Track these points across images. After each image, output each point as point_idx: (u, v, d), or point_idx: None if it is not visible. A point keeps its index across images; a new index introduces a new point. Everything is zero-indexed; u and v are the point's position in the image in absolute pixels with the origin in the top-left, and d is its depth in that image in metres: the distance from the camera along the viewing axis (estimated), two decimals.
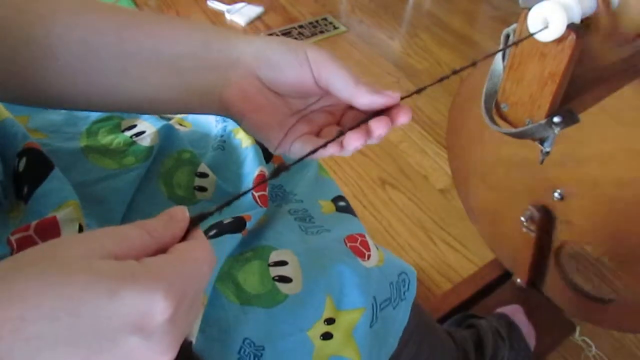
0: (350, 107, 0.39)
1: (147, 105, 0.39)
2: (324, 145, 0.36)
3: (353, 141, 0.36)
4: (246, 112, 0.38)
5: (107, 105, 0.39)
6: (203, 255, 0.27)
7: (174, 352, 0.24)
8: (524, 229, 0.85)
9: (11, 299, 0.21)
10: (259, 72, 0.38)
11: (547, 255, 0.90)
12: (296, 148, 0.38)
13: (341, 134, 0.36)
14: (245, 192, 0.33)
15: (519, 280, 0.97)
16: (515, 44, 0.46)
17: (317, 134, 0.39)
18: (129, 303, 0.22)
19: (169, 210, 0.28)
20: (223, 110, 0.39)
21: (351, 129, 0.36)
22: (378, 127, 0.36)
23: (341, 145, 0.36)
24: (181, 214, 0.28)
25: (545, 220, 0.83)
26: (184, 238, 0.28)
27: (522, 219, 0.84)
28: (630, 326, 0.89)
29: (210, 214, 0.30)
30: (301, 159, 0.36)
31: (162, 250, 0.26)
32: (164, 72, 0.37)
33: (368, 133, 0.36)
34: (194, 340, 0.38)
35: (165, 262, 0.25)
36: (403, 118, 0.37)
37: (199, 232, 0.28)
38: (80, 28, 0.36)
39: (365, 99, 0.36)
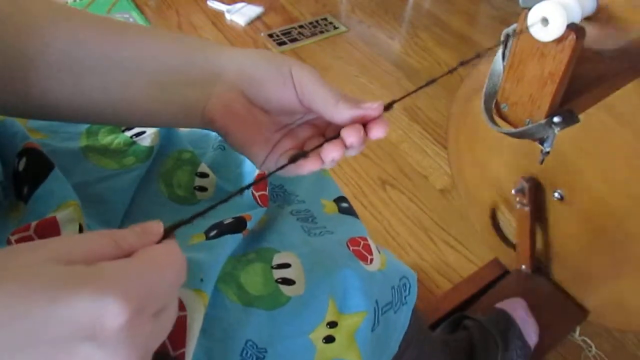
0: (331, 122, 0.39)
1: (130, 117, 0.39)
2: (300, 158, 0.35)
3: (329, 152, 0.36)
4: (230, 128, 0.38)
5: (90, 116, 0.39)
6: (167, 260, 0.25)
7: None
8: (518, 205, 0.86)
9: None
10: (242, 88, 0.37)
11: (546, 232, 0.90)
12: (280, 164, 0.38)
13: (318, 146, 0.36)
14: (232, 196, 0.32)
15: (523, 266, 0.96)
16: (505, 43, 0.46)
17: (301, 148, 0.39)
18: (74, 309, 0.21)
19: (144, 223, 0.27)
20: (207, 124, 0.39)
21: (328, 140, 0.36)
22: (348, 136, 0.36)
23: (320, 159, 0.36)
24: (156, 227, 0.27)
25: (535, 190, 0.84)
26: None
27: (513, 191, 0.85)
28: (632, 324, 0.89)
29: (186, 222, 0.28)
30: (277, 170, 0.35)
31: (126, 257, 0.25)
32: (145, 86, 0.37)
33: (343, 144, 0.36)
34: (189, 353, 0.37)
35: (122, 265, 0.23)
36: (377, 131, 0.36)
37: (169, 240, 0.27)
38: (64, 39, 0.35)
39: (345, 115, 0.36)
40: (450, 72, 0.40)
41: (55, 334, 0.21)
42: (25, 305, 0.20)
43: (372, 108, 0.36)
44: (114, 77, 0.36)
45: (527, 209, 0.85)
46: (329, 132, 0.40)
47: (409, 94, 0.39)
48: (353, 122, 0.36)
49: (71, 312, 0.21)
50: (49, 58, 0.35)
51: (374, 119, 0.37)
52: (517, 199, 0.85)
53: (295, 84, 0.37)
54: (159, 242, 0.27)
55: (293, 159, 0.36)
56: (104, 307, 0.21)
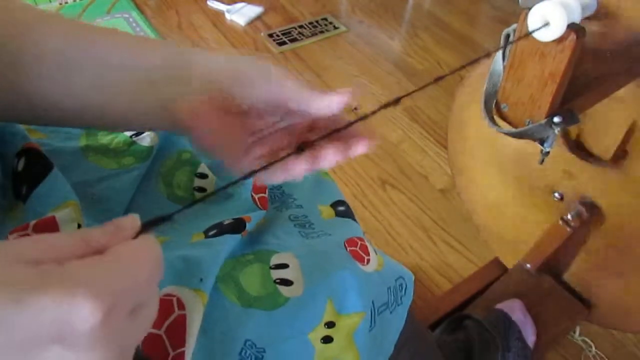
0: (310, 130, 0.39)
1: (114, 118, 0.39)
2: (270, 165, 0.34)
3: (296, 165, 0.35)
4: (202, 130, 0.37)
5: (77, 120, 0.38)
6: (141, 255, 0.24)
7: None
8: (561, 222, 0.83)
9: None
10: (219, 89, 0.36)
11: (580, 246, 0.88)
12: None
13: (287, 155, 0.35)
14: (225, 187, 0.32)
15: (528, 265, 0.96)
16: (509, 44, 0.46)
17: (276, 157, 0.38)
18: (41, 310, 0.20)
19: (117, 219, 0.25)
20: (180, 126, 0.37)
21: (300, 148, 0.36)
22: (327, 155, 0.36)
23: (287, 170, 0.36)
24: (130, 223, 0.25)
25: (591, 216, 0.81)
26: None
27: (569, 216, 0.82)
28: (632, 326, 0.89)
29: (165, 219, 0.27)
30: (244, 178, 0.33)
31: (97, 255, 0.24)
32: (132, 86, 0.37)
33: (317, 158, 0.36)
34: (188, 353, 0.37)
35: (91, 262, 0.22)
36: (358, 148, 0.36)
37: (145, 236, 0.25)
38: (53, 38, 0.35)
39: (322, 102, 0.36)
40: (453, 72, 0.40)
41: (22, 337, 0.20)
42: None
43: (342, 95, 0.36)
44: (103, 78, 0.36)
45: (569, 230, 0.83)
46: (305, 139, 0.39)
47: (414, 92, 0.38)
48: (328, 109, 0.36)
49: (38, 315, 0.20)
50: (40, 57, 0.35)
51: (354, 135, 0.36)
52: (567, 217, 0.83)
53: (275, 79, 0.36)
54: (134, 237, 0.25)
55: (264, 167, 0.34)
56: (74, 308, 0.20)
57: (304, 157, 0.36)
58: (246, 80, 0.37)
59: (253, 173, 0.33)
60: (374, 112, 0.37)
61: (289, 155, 0.35)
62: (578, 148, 0.75)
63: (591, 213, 0.80)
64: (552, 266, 0.95)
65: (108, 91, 0.37)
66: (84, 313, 0.20)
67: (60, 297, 0.20)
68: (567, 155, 0.75)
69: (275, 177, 0.37)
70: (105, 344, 0.21)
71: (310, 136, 0.39)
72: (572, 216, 0.81)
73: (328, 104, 0.36)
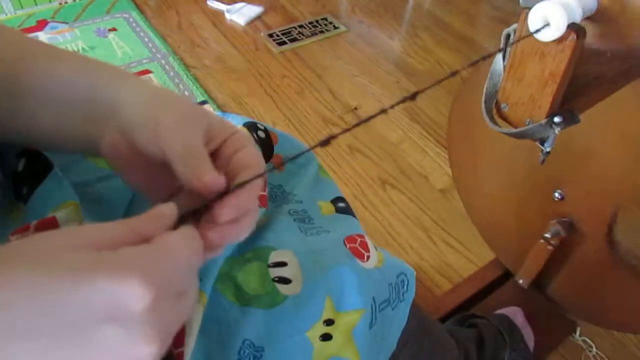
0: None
1: (38, 144, 0.38)
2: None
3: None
4: (119, 167, 0.35)
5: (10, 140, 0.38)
6: (185, 245, 0.26)
7: (158, 344, 0.23)
8: (542, 241, 0.85)
9: None
10: (125, 131, 0.34)
11: (561, 264, 0.89)
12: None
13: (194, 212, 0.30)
14: (237, 186, 0.32)
15: (521, 281, 0.97)
16: (510, 45, 0.46)
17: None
18: (98, 291, 0.21)
19: (156, 207, 0.27)
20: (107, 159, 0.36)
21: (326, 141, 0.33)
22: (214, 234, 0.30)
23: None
24: (168, 211, 0.27)
25: (570, 236, 0.82)
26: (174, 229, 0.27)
27: (547, 235, 0.83)
28: (629, 326, 0.89)
29: (200, 207, 0.29)
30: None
31: (145, 243, 0.25)
32: (51, 116, 0.36)
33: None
34: (188, 353, 0.37)
35: (142, 250, 0.24)
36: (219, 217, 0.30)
37: (185, 225, 0.28)
38: None
39: (197, 183, 0.30)
40: (454, 74, 0.40)
41: (78, 315, 0.21)
42: (50, 286, 0.21)
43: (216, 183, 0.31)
44: (24, 105, 0.36)
45: (550, 247, 0.84)
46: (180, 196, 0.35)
47: (421, 90, 0.38)
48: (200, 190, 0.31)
49: (94, 294, 0.21)
50: None
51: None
52: (547, 235, 0.84)
53: (159, 133, 0.32)
54: (174, 228, 0.28)
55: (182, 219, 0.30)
56: (127, 290, 0.22)
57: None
58: (135, 127, 0.33)
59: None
60: (373, 116, 0.36)
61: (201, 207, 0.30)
62: None
63: (569, 232, 0.81)
64: (543, 283, 0.96)
65: (27, 120, 0.36)
66: (136, 295, 0.22)
67: (114, 279, 0.22)
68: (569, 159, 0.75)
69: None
70: (154, 324, 0.23)
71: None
72: (551, 235, 0.83)
73: (204, 186, 0.31)
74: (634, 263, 0.76)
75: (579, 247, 0.84)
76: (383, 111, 0.35)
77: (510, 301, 0.98)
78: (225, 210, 0.30)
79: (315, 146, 0.34)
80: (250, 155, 0.34)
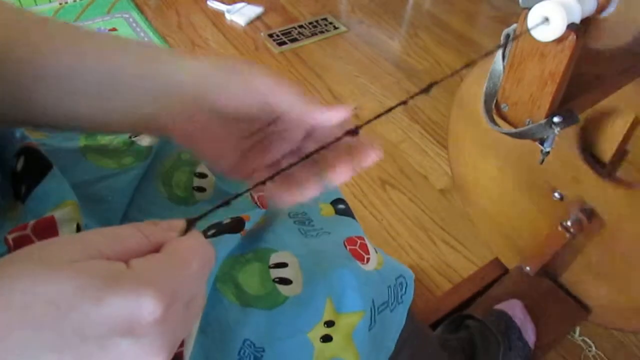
0: (306, 137, 0.38)
1: (91, 126, 0.38)
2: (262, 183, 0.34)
3: (310, 187, 0.35)
4: (190, 139, 0.37)
5: (52, 124, 0.38)
6: (194, 253, 0.26)
7: (168, 353, 0.24)
8: (560, 227, 0.83)
9: None
10: (203, 96, 0.36)
11: (577, 252, 0.88)
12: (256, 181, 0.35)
13: (277, 174, 0.34)
14: (244, 192, 0.32)
15: (528, 268, 0.96)
16: (506, 44, 0.46)
17: (277, 166, 0.38)
18: (117, 307, 0.22)
19: (170, 220, 0.28)
20: (171, 136, 0.38)
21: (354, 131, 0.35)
22: (340, 173, 0.35)
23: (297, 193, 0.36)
24: (180, 224, 0.28)
25: (590, 223, 0.81)
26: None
27: (569, 223, 0.82)
28: (631, 325, 0.89)
29: (207, 213, 0.29)
30: (238, 195, 0.33)
31: (156, 251, 0.26)
32: (104, 96, 0.36)
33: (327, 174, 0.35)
34: (187, 352, 0.37)
35: (154, 261, 0.24)
36: (368, 159, 0.36)
37: (194, 232, 0.28)
38: (25, 46, 0.35)
39: (316, 114, 0.35)
40: (453, 74, 0.40)
41: (101, 330, 0.22)
42: (75, 302, 0.21)
43: (343, 111, 0.35)
44: (75, 87, 0.36)
45: (568, 235, 0.83)
46: (304, 147, 0.39)
47: (420, 91, 0.38)
48: (323, 122, 0.36)
49: (114, 309, 0.22)
50: (7, 66, 0.34)
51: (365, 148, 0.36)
52: (567, 223, 0.82)
53: (258, 87, 0.36)
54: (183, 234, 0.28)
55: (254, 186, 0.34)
56: (141, 304, 0.22)
57: (314, 174, 0.35)
58: (217, 89, 0.36)
59: (264, 181, 0.33)
60: (376, 116, 0.36)
61: (295, 164, 0.34)
62: (587, 153, 0.75)
63: (591, 221, 0.80)
64: (551, 269, 0.95)
65: (71, 98, 0.36)
66: (149, 308, 0.22)
67: (133, 293, 0.22)
68: (572, 158, 0.75)
69: (290, 195, 0.36)
70: (164, 335, 0.24)
71: (307, 144, 0.38)
72: (571, 222, 0.82)
73: (326, 117, 0.35)
74: None
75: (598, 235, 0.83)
76: (403, 102, 0.36)
77: (508, 293, 0.96)
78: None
79: (332, 142, 0.35)
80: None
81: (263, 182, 0.33)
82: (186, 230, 0.28)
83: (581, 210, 0.80)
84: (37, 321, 0.21)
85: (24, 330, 0.21)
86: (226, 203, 0.31)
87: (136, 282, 0.23)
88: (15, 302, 0.21)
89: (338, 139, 0.35)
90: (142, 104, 0.37)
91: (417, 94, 0.36)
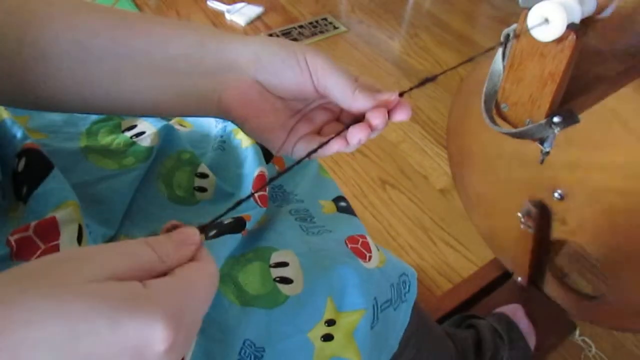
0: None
1: (142, 108, 0.39)
2: (327, 142, 0.36)
3: (356, 134, 0.36)
4: (247, 116, 0.38)
5: (102, 107, 0.38)
6: (205, 280, 0.26)
7: None
8: (522, 225, 0.85)
9: (11, 324, 0.20)
10: (258, 76, 0.37)
11: (547, 253, 0.89)
12: (300, 149, 0.38)
13: (342, 131, 0.37)
14: (248, 197, 0.33)
15: (519, 278, 0.97)
16: (505, 43, 0.46)
17: (319, 132, 0.39)
18: (130, 331, 0.22)
19: (182, 230, 0.27)
20: (223, 113, 0.39)
21: (352, 124, 0.37)
22: (374, 118, 0.36)
23: (345, 141, 0.37)
24: (193, 237, 0.27)
25: (542, 216, 0.82)
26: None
27: (519, 214, 0.83)
28: (628, 325, 0.89)
29: (215, 220, 0.29)
30: (307, 156, 0.36)
31: (169, 269, 0.26)
32: (156, 75, 0.37)
33: (369, 126, 0.36)
34: (188, 353, 0.37)
35: (166, 287, 0.24)
36: (401, 115, 0.37)
37: (204, 253, 0.28)
38: (73, 29, 0.35)
39: (363, 106, 0.37)
40: (447, 70, 0.40)
41: (112, 355, 0.22)
42: (89, 326, 0.21)
43: (390, 100, 0.37)
44: (123, 68, 0.36)
45: (531, 231, 0.84)
46: (344, 116, 0.41)
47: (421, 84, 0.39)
48: (369, 108, 0.37)
49: (128, 335, 0.22)
50: (59, 49, 0.35)
51: (392, 106, 0.37)
52: (522, 219, 0.84)
53: (310, 71, 0.37)
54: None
55: (318, 147, 0.36)
56: (154, 332, 0.22)
57: (361, 127, 0.36)
58: (269, 69, 0.37)
59: (308, 155, 0.36)
60: (412, 88, 0.39)
61: (340, 133, 0.37)
62: None
63: (538, 209, 0.81)
64: (538, 279, 0.96)
65: (129, 82, 0.37)
66: (162, 336, 0.22)
67: (146, 320, 0.22)
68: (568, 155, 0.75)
69: (332, 148, 0.37)
70: (171, 358, 0.23)
71: (346, 112, 0.40)
72: (522, 215, 0.83)
73: (370, 108, 0.36)
74: None
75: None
76: (410, 89, 0.38)
77: (510, 300, 0.97)
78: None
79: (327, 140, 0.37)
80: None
81: (252, 194, 0.34)
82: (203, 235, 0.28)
83: (530, 202, 0.82)
84: (50, 343, 0.21)
85: (37, 352, 0.20)
86: (234, 207, 0.31)
87: (151, 305, 0.23)
88: (30, 324, 0.21)
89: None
90: (199, 82, 0.37)
91: (419, 85, 0.38)
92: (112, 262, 0.24)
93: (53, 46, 0.35)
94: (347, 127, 0.37)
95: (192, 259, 0.27)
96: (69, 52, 0.35)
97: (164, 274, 0.25)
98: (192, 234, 0.28)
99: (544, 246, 0.88)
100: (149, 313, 0.22)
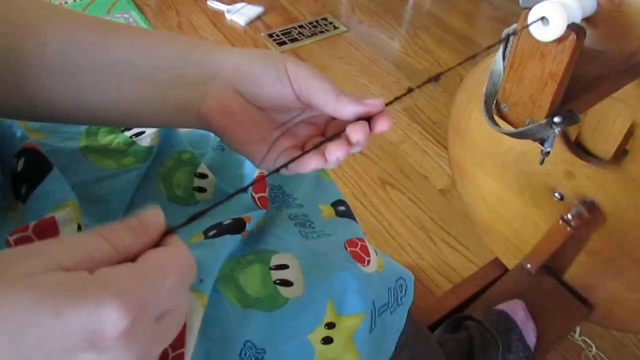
0: (334, 118, 0.39)
1: (123, 119, 0.38)
2: (301, 156, 0.35)
3: (333, 151, 0.35)
4: (227, 127, 0.38)
5: (85, 117, 0.38)
6: (172, 264, 0.25)
7: None
8: (561, 221, 0.82)
9: None
10: (238, 86, 0.37)
11: (580, 246, 0.88)
12: (281, 164, 0.37)
13: (321, 143, 0.36)
14: (237, 192, 0.32)
15: (529, 265, 0.95)
16: (506, 43, 0.46)
17: (302, 147, 0.39)
18: (77, 320, 0.21)
19: (139, 215, 0.26)
20: (203, 124, 0.38)
21: (331, 138, 0.36)
22: (355, 132, 0.35)
23: (324, 157, 0.36)
24: (151, 219, 0.26)
25: (594, 218, 0.80)
26: (159, 242, 0.26)
27: (569, 216, 0.81)
28: (630, 326, 0.89)
29: (187, 223, 0.27)
30: (276, 170, 0.35)
31: (128, 260, 0.24)
32: (139, 85, 0.37)
33: (348, 142, 0.36)
34: (188, 354, 0.37)
35: (121, 271, 0.23)
36: (381, 125, 0.36)
37: (173, 238, 0.26)
38: (57, 38, 0.35)
39: (348, 110, 0.36)
40: (447, 71, 0.40)
41: (62, 345, 0.21)
42: (34, 317, 0.20)
43: (375, 105, 0.36)
44: (108, 78, 0.36)
45: (569, 229, 0.82)
46: (329, 131, 0.40)
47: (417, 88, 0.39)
48: (355, 117, 0.36)
49: (75, 323, 0.21)
50: (45, 58, 0.35)
51: (376, 113, 0.36)
52: (567, 216, 0.82)
53: (291, 78, 0.36)
54: (160, 239, 0.26)
55: (292, 160, 0.35)
56: (103, 316, 0.21)
57: (339, 143, 0.36)
58: (249, 77, 0.37)
59: (284, 166, 0.35)
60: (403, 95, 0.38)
61: (318, 145, 0.36)
62: (578, 147, 0.75)
63: (591, 213, 0.79)
64: (553, 266, 0.95)
65: (113, 93, 0.37)
66: (112, 320, 0.21)
67: (93, 304, 0.21)
68: (567, 155, 0.75)
69: (309, 165, 0.37)
70: (131, 348, 0.22)
71: (333, 125, 0.40)
72: (572, 216, 0.81)
73: (354, 113, 0.36)
74: None
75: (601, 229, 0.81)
76: (410, 90, 0.37)
77: (509, 292, 0.96)
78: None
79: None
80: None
81: (245, 189, 0.33)
82: (165, 233, 0.26)
83: (581, 203, 0.80)
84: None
85: None
86: (206, 212, 0.30)
87: (98, 291, 0.21)
88: None
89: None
90: (181, 92, 0.37)
91: (424, 83, 0.37)
92: (59, 255, 0.23)
93: (38, 55, 0.35)
94: (328, 139, 0.36)
95: (159, 245, 0.26)
96: (55, 62, 0.35)
97: (122, 262, 0.24)
98: (153, 221, 0.26)
99: (579, 242, 0.86)
100: (95, 297, 0.21)
